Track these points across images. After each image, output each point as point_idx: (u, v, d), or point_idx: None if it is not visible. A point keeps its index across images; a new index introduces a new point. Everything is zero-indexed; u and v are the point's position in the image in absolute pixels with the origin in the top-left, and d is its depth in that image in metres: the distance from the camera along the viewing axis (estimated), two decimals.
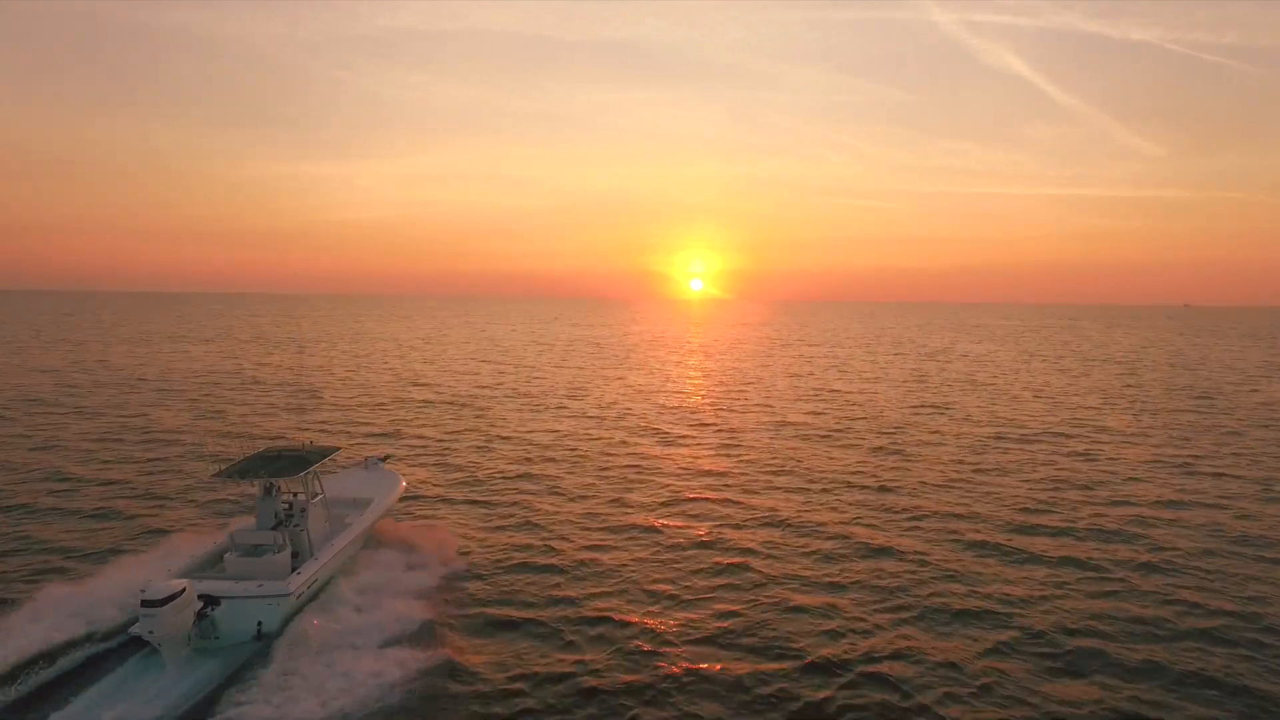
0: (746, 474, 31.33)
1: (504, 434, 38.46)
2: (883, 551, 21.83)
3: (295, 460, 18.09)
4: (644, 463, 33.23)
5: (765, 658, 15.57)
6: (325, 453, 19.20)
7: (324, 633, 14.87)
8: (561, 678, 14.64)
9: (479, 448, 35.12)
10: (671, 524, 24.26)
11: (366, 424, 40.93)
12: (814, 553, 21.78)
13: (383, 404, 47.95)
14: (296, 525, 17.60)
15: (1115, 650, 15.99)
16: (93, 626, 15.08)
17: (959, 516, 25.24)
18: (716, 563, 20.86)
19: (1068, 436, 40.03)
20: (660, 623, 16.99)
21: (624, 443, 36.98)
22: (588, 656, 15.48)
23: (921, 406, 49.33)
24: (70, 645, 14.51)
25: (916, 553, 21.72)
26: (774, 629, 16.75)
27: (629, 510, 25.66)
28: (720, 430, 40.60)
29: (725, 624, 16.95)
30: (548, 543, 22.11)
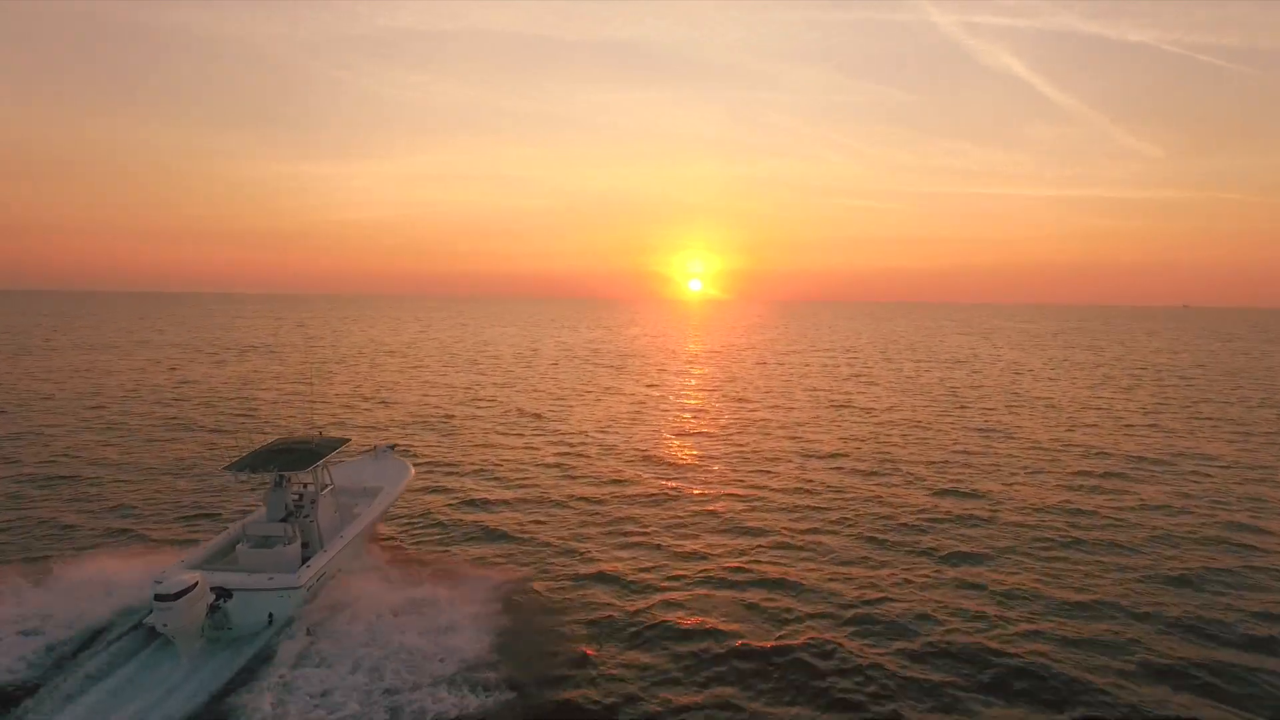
0: (779, 522, 24.41)
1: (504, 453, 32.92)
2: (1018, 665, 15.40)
3: (305, 453, 18.14)
4: (657, 495, 27.11)
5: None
6: (335, 445, 19.25)
7: (334, 623, 15.14)
8: (571, 664, 15.00)
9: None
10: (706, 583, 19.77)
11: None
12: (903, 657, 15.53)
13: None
14: (306, 517, 17.82)
15: None
16: (107, 620, 15.29)
17: (1105, 608, 18.05)
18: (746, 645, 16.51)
19: (1160, 464, 32.85)
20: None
21: (630, 476, 30.03)
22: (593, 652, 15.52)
23: (976, 429, 41.83)
24: (85, 638, 14.71)
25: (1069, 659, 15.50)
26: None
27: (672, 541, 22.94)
28: (738, 461, 33.31)
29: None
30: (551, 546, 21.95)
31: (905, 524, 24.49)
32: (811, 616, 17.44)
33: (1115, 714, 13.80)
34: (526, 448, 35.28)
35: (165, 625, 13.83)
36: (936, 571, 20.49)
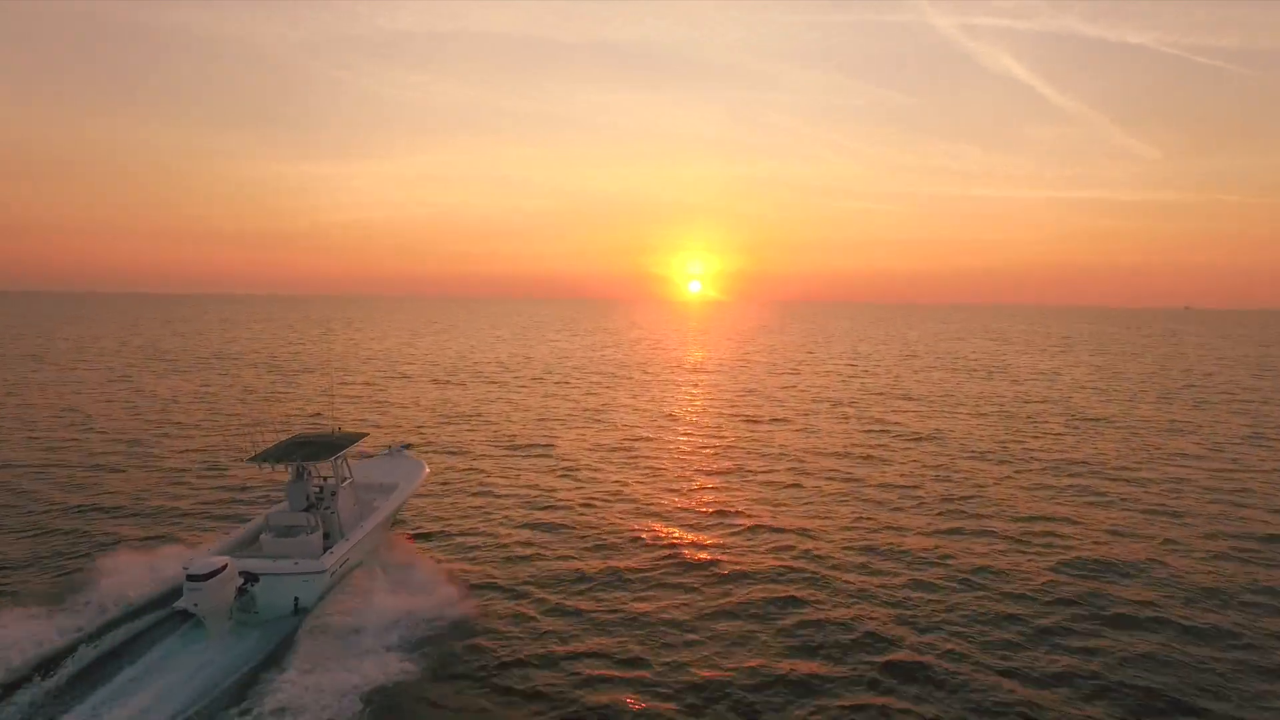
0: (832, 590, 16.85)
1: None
2: None
3: (326, 445, 18.80)
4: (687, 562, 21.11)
5: None
6: (354, 438, 19.78)
7: (356, 611, 15.47)
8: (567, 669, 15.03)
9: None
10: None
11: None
12: None
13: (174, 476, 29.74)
14: (327, 508, 18.33)
15: None
16: (136, 604, 15.73)
17: None
18: None
19: None
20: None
21: (645, 535, 22.38)
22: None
23: (1058, 461, 34.20)
24: (115, 622, 15.09)
25: None
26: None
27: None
28: (776, 503, 25.76)
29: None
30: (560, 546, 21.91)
31: (1047, 612, 17.23)
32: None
33: None
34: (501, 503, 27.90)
35: (196, 605, 14.43)
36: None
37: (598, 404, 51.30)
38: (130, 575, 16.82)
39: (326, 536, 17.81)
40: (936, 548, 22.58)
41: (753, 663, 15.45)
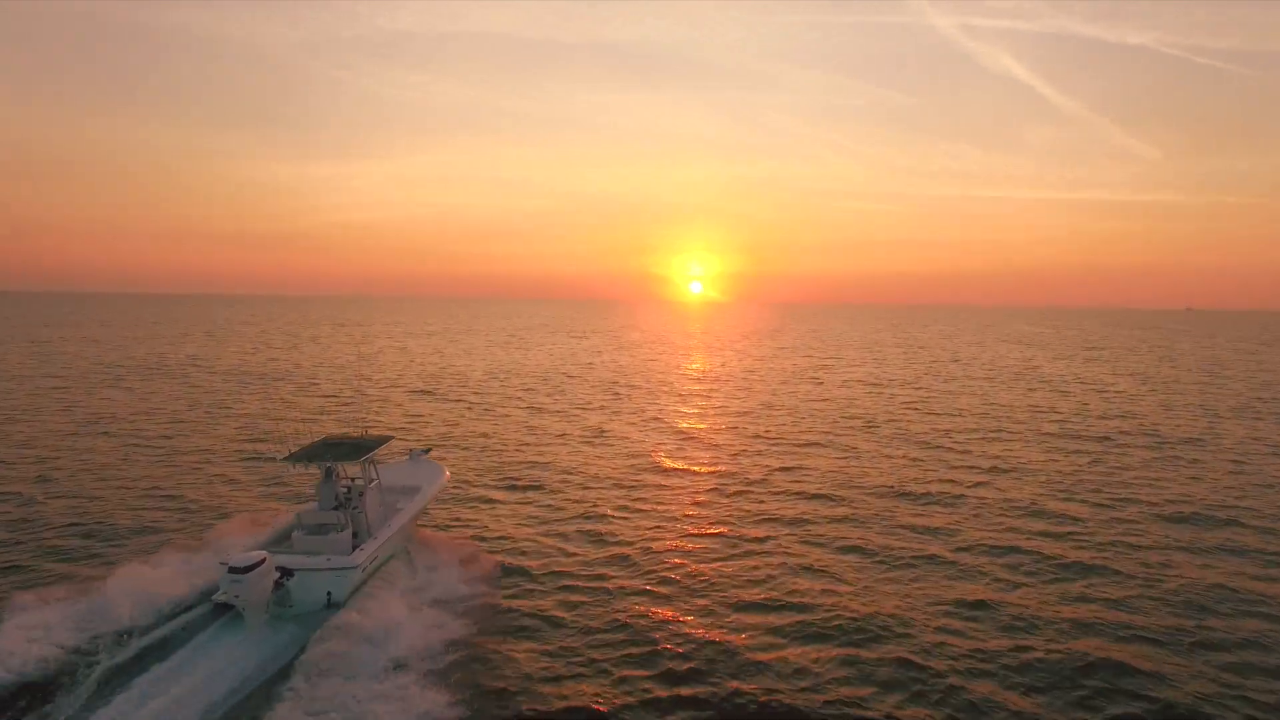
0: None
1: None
2: None
3: (354, 447, 19.32)
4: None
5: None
6: (381, 441, 20.15)
7: (386, 606, 15.95)
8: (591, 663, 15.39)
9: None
10: None
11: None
12: None
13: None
14: (355, 507, 18.64)
15: None
16: (175, 597, 16.07)
17: None
18: None
19: None
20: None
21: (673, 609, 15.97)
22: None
23: (1178, 502, 27.20)
24: (156, 613, 15.40)
25: None
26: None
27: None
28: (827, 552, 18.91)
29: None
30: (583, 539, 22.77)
31: None
32: None
33: None
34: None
35: (237, 597, 14.85)
36: None
37: (595, 425, 44.35)
38: (168, 570, 17.36)
39: (354, 535, 18.17)
40: (1074, 657, 15.73)
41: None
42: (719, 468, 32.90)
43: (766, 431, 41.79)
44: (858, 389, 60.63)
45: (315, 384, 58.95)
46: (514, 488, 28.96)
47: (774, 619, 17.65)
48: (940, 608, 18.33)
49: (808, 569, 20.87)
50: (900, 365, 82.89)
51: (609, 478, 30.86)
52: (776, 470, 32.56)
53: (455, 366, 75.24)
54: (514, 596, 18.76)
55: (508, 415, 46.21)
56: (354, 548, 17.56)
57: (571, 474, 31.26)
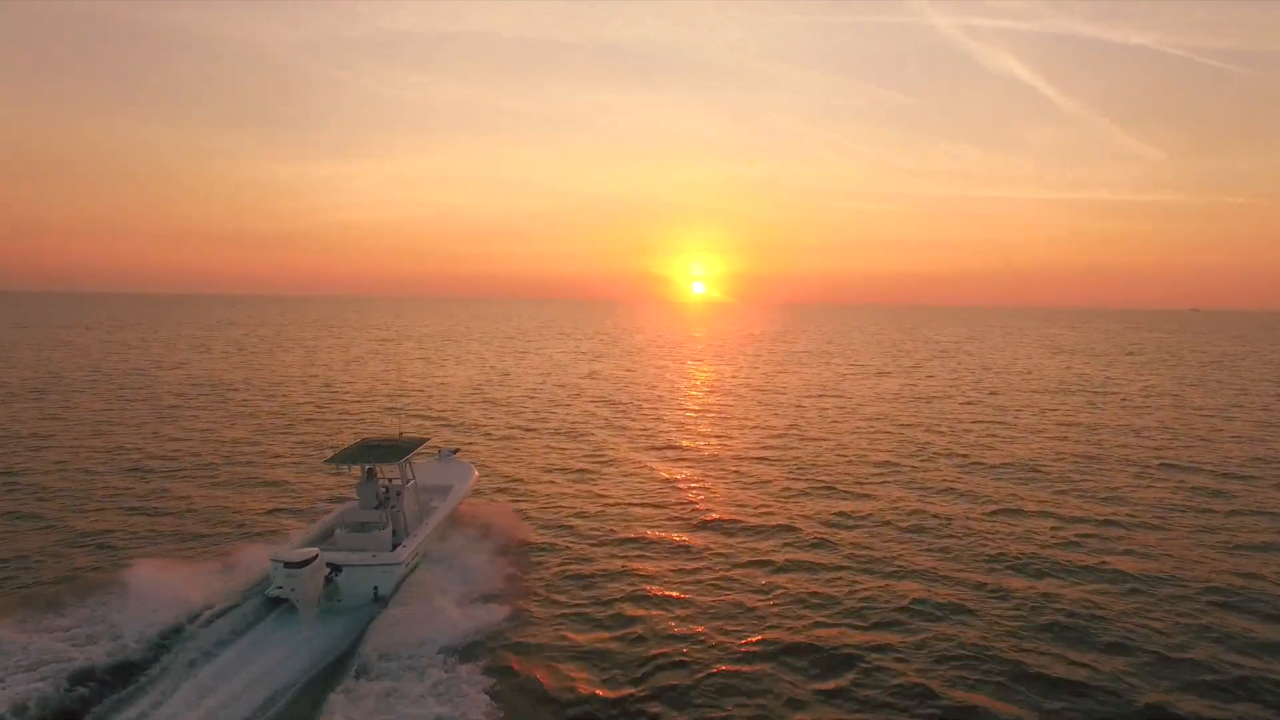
0: None
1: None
2: None
3: (393, 448, 20.05)
4: None
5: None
6: (418, 443, 20.99)
7: (430, 600, 16.64)
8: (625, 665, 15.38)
9: None
10: None
11: None
12: None
13: None
14: (393, 506, 19.40)
15: None
16: (224, 595, 16.64)
17: None
18: None
19: None
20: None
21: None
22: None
23: None
24: (203, 612, 15.82)
25: None
26: None
27: None
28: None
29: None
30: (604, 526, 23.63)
31: None
32: None
33: None
34: None
35: (293, 590, 15.42)
36: None
37: (599, 454, 36.51)
38: (211, 568, 17.94)
39: (394, 533, 18.58)
40: None
41: None
42: (765, 511, 25.22)
43: (816, 459, 34.20)
44: (899, 404, 52.59)
45: (273, 398, 51.07)
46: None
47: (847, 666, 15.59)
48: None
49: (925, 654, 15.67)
50: (929, 372, 74.93)
51: (621, 528, 23.56)
52: (839, 513, 25.38)
53: (437, 376, 67.40)
54: (549, 589, 18.97)
55: (489, 435, 38.56)
56: (394, 545, 18.17)
57: (576, 522, 24.52)
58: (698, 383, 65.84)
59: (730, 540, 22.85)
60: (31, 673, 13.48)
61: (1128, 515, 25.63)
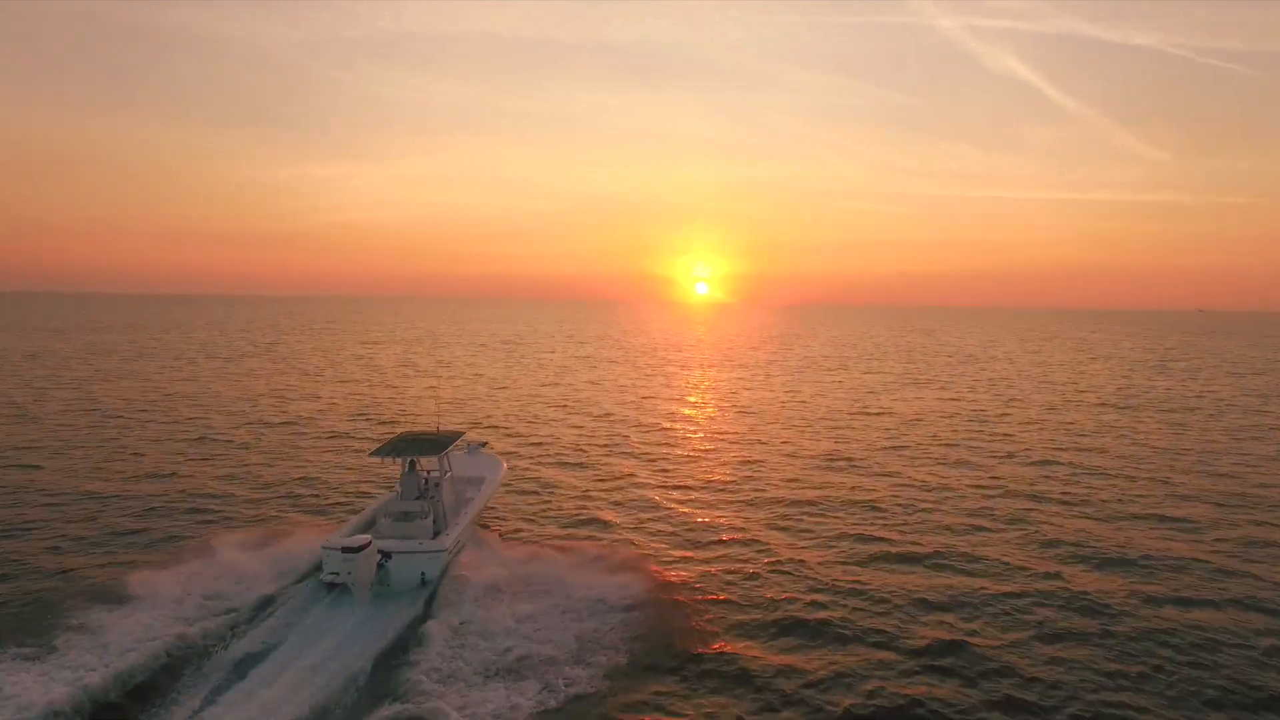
0: None
1: None
2: None
3: (434, 442, 21.07)
4: None
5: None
6: (455, 437, 22.29)
7: (475, 584, 17.56)
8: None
9: None
10: None
11: None
12: None
13: None
14: (432, 497, 20.21)
15: None
16: (277, 582, 17.54)
17: None
18: None
19: None
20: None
21: None
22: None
23: None
24: (259, 599, 16.74)
25: None
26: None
27: None
28: None
29: None
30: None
31: None
32: None
33: None
34: None
35: (349, 574, 16.17)
36: None
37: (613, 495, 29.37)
38: (263, 557, 18.78)
39: (434, 522, 19.39)
40: None
41: None
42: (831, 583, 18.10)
43: (882, 497, 27.33)
44: (956, 424, 45.12)
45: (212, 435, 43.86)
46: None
47: None
48: None
49: None
50: (967, 384, 67.50)
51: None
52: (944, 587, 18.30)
53: (412, 393, 60.13)
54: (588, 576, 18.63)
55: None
56: (435, 533, 18.95)
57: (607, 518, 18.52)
58: (719, 397, 58.52)
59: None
60: (104, 659, 13.85)
61: None
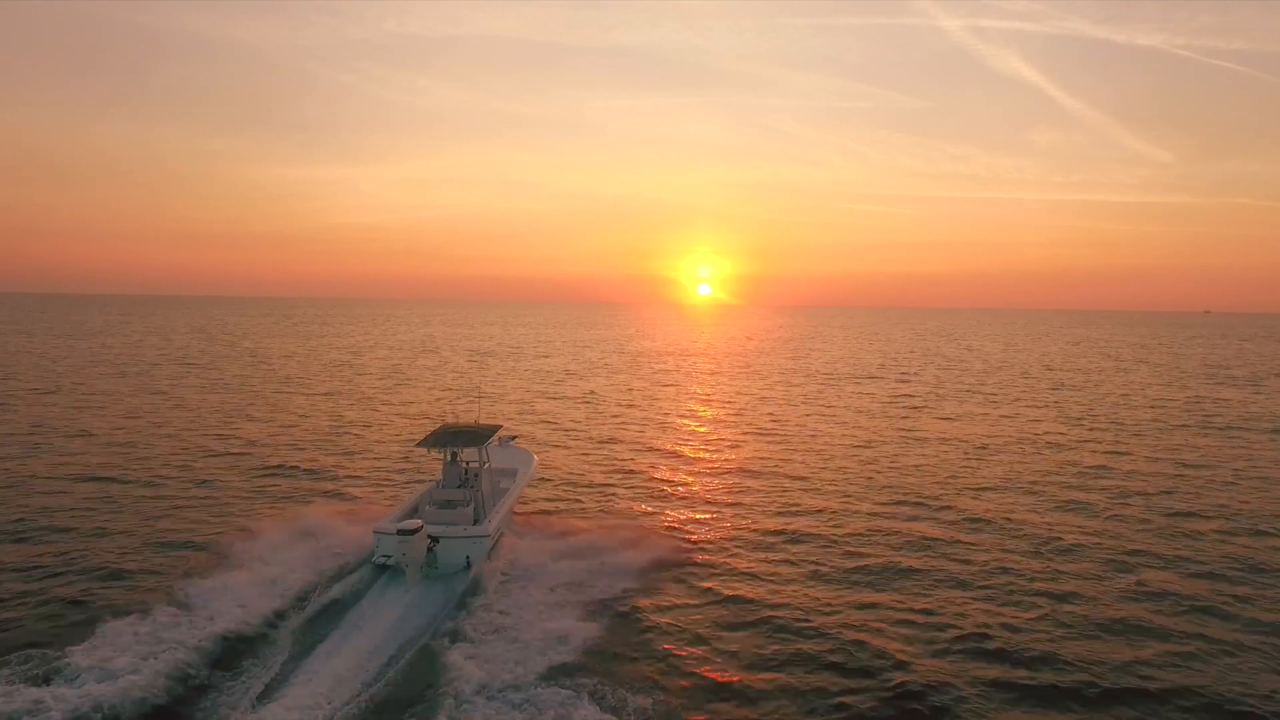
0: None
1: None
2: None
3: (474, 434, 21.82)
4: None
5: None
6: (494, 430, 22.84)
7: (516, 568, 18.71)
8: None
9: None
10: None
11: None
12: None
13: None
14: (473, 486, 21.06)
15: None
16: (338, 562, 18.65)
17: None
18: None
19: None
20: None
21: None
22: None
23: None
24: (315, 583, 17.62)
25: None
26: None
27: None
28: None
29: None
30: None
31: None
32: None
33: None
34: None
35: (404, 555, 17.12)
36: None
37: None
38: (317, 543, 19.75)
39: (475, 510, 20.12)
40: None
41: None
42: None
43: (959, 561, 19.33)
44: (1023, 453, 37.22)
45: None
46: None
47: None
48: None
49: None
50: (1012, 394, 59.77)
51: None
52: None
53: (387, 409, 52.65)
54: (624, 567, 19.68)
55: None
56: (475, 520, 19.70)
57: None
58: (731, 414, 50.81)
59: None
60: (168, 647, 14.31)
61: None
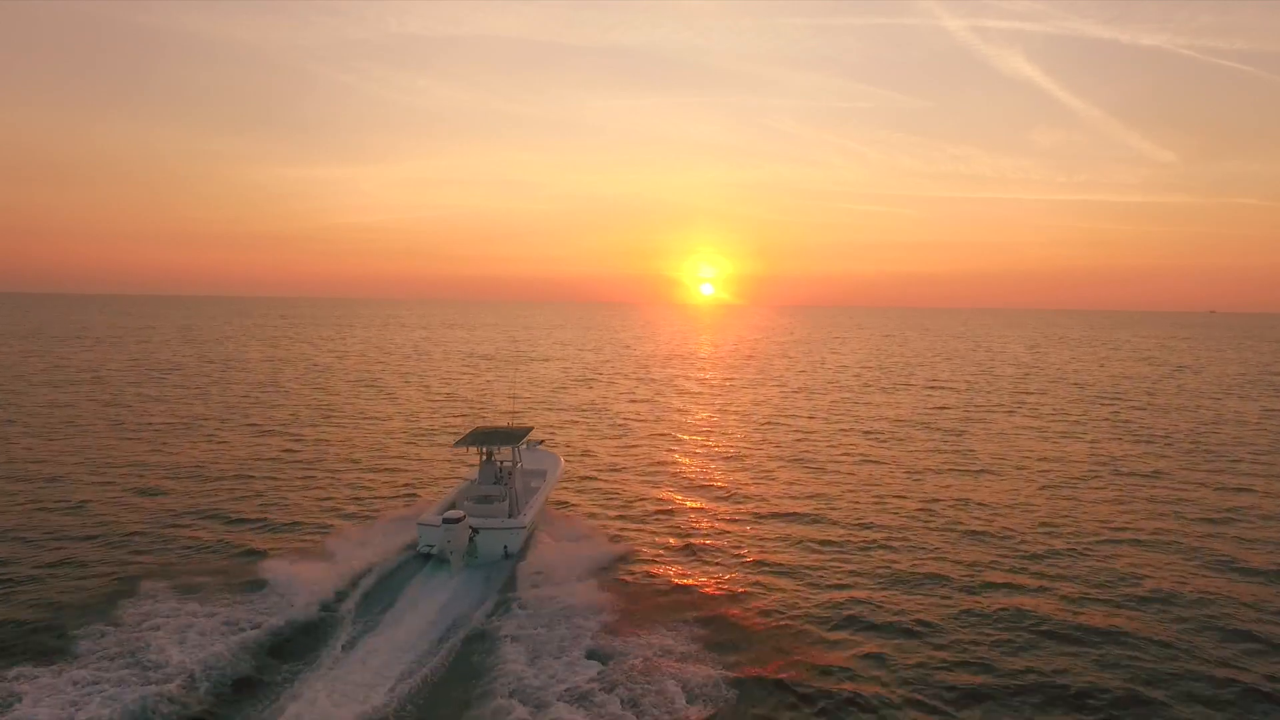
0: None
1: None
2: None
3: (508, 434, 23.24)
4: None
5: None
6: (526, 430, 24.33)
7: (554, 558, 19.55)
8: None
9: None
10: None
11: None
12: None
13: None
14: (506, 484, 22.19)
15: None
16: (383, 552, 19.78)
17: None
18: None
19: None
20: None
21: None
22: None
23: None
24: (362, 574, 18.58)
25: None
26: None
27: None
28: None
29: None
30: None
31: None
32: None
33: None
34: None
35: (448, 543, 18.59)
36: None
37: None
38: (361, 535, 21.03)
39: (509, 505, 21.20)
40: None
41: None
42: None
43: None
44: (1120, 488, 31.09)
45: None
46: None
47: None
48: None
49: None
50: (1054, 404, 53.73)
51: None
52: None
53: (366, 427, 46.80)
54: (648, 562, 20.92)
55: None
56: (509, 515, 20.83)
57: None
58: (748, 430, 44.85)
59: None
60: (220, 638, 15.00)
61: None
